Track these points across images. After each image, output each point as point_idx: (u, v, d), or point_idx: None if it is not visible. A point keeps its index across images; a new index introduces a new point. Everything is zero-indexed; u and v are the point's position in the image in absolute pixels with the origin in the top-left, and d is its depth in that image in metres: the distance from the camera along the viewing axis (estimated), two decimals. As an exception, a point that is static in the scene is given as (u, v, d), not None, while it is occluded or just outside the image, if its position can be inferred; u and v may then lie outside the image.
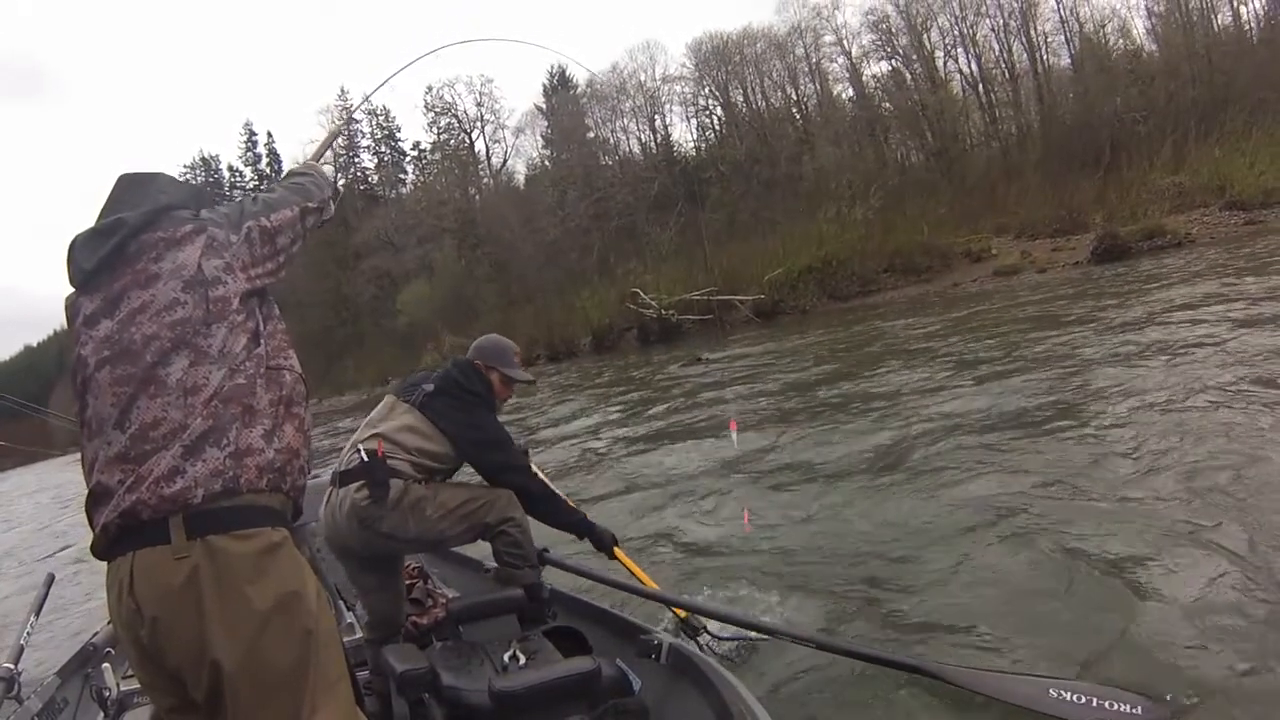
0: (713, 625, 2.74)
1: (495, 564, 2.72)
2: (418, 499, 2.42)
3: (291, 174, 1.76)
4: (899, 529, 3.83)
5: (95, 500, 1.37)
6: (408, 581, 3.05)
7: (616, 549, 2.84)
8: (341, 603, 3.19)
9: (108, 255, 1.43)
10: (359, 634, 2.82)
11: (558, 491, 2.82)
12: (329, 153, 2.45)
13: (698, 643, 2.62)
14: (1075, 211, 20.26)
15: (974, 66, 33.14)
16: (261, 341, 1.46)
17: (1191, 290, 10.01)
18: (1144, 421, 4.73)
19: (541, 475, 2.87)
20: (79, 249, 1.47)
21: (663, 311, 22.24)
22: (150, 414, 1.34)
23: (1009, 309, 12.93)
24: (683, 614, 2.78)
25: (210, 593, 1.27)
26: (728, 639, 2.77)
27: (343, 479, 2.45)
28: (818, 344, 14.06)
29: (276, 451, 1.41)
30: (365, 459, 2.40)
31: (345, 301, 43.19)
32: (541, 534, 2.81)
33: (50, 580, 3.43)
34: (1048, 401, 5.78)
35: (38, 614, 3.15)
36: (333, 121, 42.03)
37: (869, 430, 6.13)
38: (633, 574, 2.89)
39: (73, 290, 1.49)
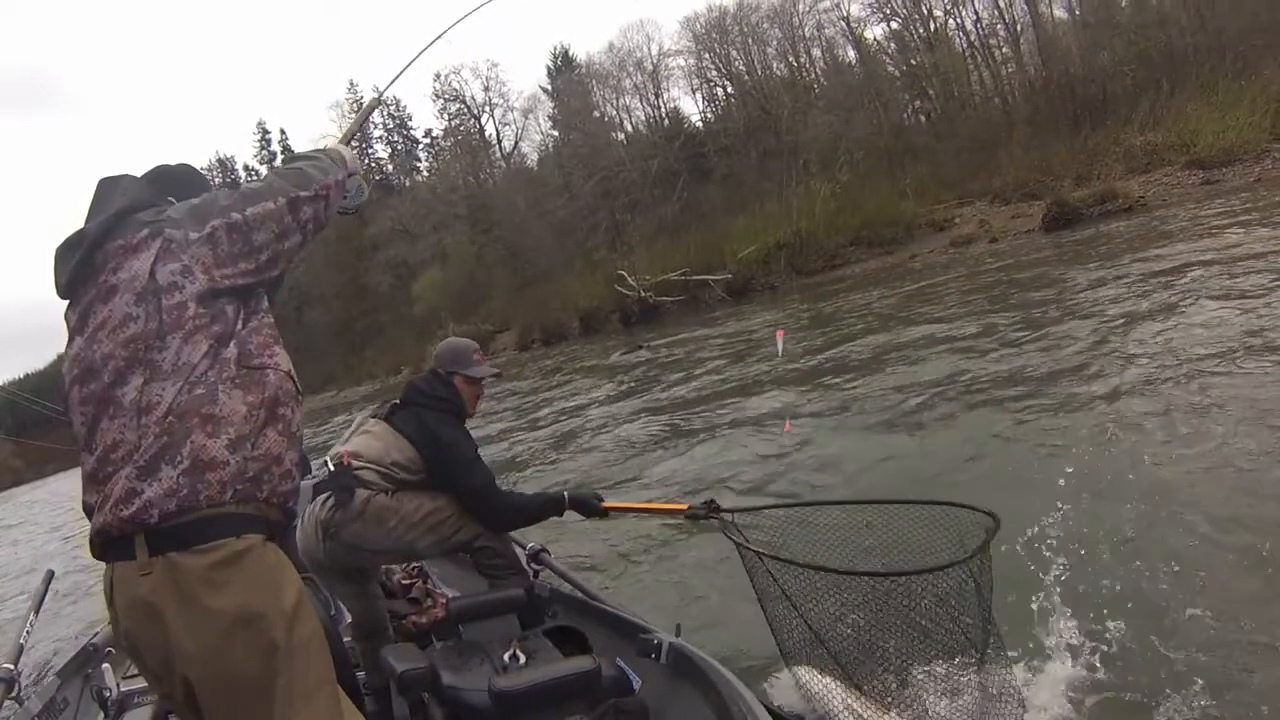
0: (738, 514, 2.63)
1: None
2: (380, 509, 2.41)
3: (295, 157, 1.62)
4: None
5: (85, 513, 1.40)
6: (407, 581, 3.07)
7: (605, 503, 2.79)
8: (342, 604, 3.20)
9: (76, 269, 1.41)
10: None
11: (523, 492, 2.78)
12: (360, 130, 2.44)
13: (720, 518, 2.58)
14: (1046, 175, 20.22)
15: (970, 24, 32.49)
16: (231, 344, 1.39)
17: (1117, 260, 10.50)
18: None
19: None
20: (57, 262, 1.46)
21: (642, 294, 22.95)
22: (110, 436, 1.33)
23: (955, 280, 13.58)
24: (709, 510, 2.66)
25: (170, 608, 1.28)
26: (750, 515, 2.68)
27: (314, 492, 2.48)
28: (778, 321, 14.70)
29: (248, 460, 1.35)
30: (332, 469, 2.44)
31: (364, 293, 43.99)
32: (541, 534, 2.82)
33: (49, 577, 3.39)
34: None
35: (37, 612, 3.10)
36: (345, 115, 43.03)
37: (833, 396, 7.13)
38: (636, 511, 3.03)
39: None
